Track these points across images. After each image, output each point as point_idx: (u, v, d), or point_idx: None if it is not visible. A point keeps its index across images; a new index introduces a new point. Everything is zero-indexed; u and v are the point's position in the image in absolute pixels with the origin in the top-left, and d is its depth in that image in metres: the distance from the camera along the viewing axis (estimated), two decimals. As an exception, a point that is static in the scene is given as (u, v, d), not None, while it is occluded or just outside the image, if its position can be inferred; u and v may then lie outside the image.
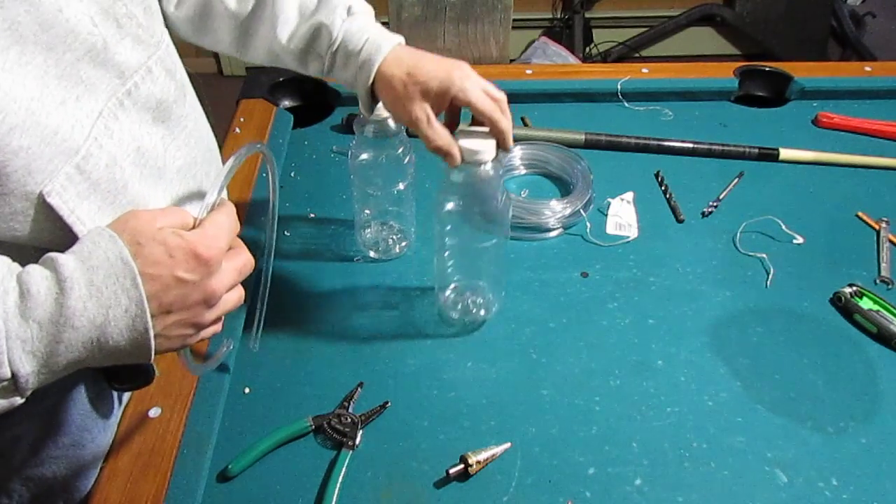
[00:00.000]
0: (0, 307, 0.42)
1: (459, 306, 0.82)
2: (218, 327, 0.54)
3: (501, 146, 0.69)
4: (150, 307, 0.46)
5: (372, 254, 0.88)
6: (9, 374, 0.43)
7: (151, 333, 0.47)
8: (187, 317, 0.50)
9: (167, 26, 0.70)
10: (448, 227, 0.74)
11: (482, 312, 0.82)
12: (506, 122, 0.69)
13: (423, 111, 0.66)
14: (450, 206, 0.73)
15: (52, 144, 0.48)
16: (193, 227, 0.50)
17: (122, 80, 0.56)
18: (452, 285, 0.83)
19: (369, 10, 0.72)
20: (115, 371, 0.66)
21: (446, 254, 0.78)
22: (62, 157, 0.49)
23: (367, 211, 0.88)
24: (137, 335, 0.46)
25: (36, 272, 0.44)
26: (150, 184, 0.59)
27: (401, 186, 0.83)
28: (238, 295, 0.55)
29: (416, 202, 0.88)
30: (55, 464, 0.68)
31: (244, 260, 0.54)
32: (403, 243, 0.89)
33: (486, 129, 0.69)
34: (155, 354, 0.49)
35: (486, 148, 0.67)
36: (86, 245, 0.46)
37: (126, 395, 0.73)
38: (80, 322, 0.44)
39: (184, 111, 0.64)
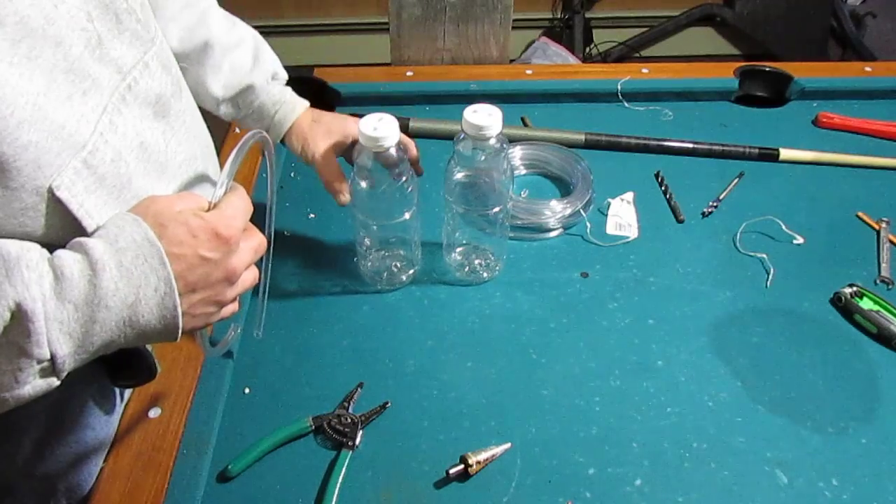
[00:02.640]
0: (37, 290, 0.43)
1: (466, 268, 0.86)
2: (236, 306, 0.57)
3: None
4: (177, 286, 0.48)
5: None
6: (48, 355, 0.44)
7: (180, 311, 0.49)
8: (211, 294, 0.52)
9: None
10: (456, 195, 0.80)
11: (485, 274, 0.86)
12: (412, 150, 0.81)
13: (328, 148, 0.79)
14: (459, 176, 0.79)
15: (60, 139, 0.49)
16: (209, 210, 0.53)
17: (121, 75, 0.56)
18: (459, 248, 0.87)
19: (285, 77, 0.85)
20: (118, 366, 0.66)
21: (453, 220, 0.84)
22: (70, 151, 0.50)
23: (368, 240, 0.85)
24: (167, 313, 0.48)
25: (67, 256, 0.46)
26: (154, 178, 0.60)
27: (406, 216, 0.80)
28: (254, 275, 0.57)
29: (420, 202, 0.88)
30: (58, 460, 0.69)
31: (259, 240, 0.57)
32: (410, 271, 0.86)
33: (492, 108, 0.74)
34: (182, 333, 0.51)
35: (490, 123, 0.73)
36: (111, 229, 0.48)
37: (127, 392, 0.73)
38: (113, 302, 0.46)
39: (181, 106, 0.65)
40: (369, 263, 0.87)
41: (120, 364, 0.65)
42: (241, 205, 0.54)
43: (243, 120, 0.82)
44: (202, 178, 0.68)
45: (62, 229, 0.51)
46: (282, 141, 0.82)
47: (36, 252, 0.45)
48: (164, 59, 0.63)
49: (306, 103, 0.83)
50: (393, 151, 0.74)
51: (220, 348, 0.70)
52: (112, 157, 0.54)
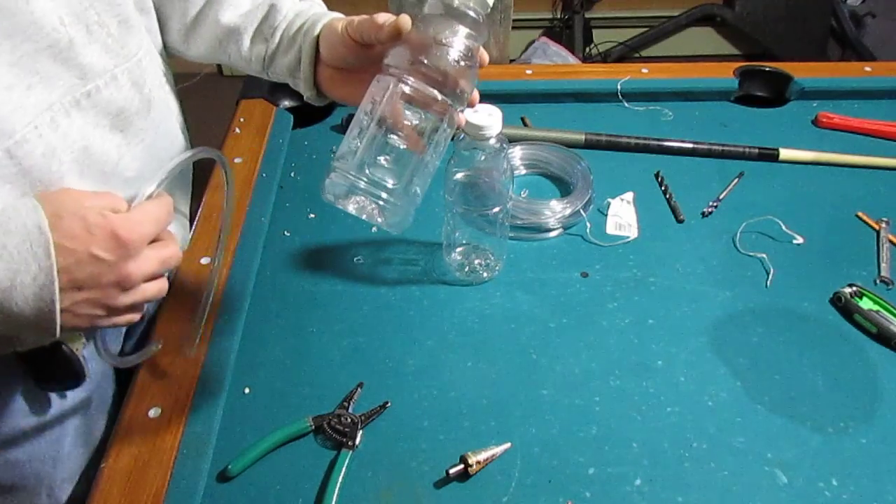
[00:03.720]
0: None
1: (466, 268, 0.86)
2: (135, 316, 0.54)
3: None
4: (59, 279, 0.47)
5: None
6: None
7: (57, 306, 0.47)
8: (99, 296, 0.50)
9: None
10: (456, 195, 0.80)
11: (485, 274, 0.86)
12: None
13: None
14: (459, 176, 0.78)
15: None
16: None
17: (83, 80, 0.56)
18: (459, 248, 0.87)
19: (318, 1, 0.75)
20: (41, 367, 0.64)
21: (453, 220, 0.83)
22: None
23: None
24: (43, 305, 0.47)
25: None
26: (90, 185, 0.59)
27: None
28: (159, 287, 0.55)
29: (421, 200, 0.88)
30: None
31: (170, 252, 0.54)
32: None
33: (492, 108, 0.74)
34: (61, 331, 0.49)
35: (490, 123, 0.73)
36: (7, 210, 0.47)
37: (70, 403, 0.70)
38: None
39: (145, 125, 0.64)
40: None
41: (43, 363, 0.63)
42: (154, 212, 0.52)
43: (275, 59, 0.71)
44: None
45: None
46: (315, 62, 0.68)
47: None
48: (138, 76, 0.63)
49: (336, 14, 0.70)
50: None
51: (128, 359, 0.66)
52: (44, 152, 0.54)
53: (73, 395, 0.71)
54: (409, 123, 0.59)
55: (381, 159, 0.58)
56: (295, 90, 0.72)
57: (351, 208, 0.58)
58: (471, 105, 0.63)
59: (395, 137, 0.58)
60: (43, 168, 0.54)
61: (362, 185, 0.56)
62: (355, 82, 0.65)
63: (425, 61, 0.57)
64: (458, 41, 0.57)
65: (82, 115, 0.57)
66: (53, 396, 0.69)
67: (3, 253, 0.45)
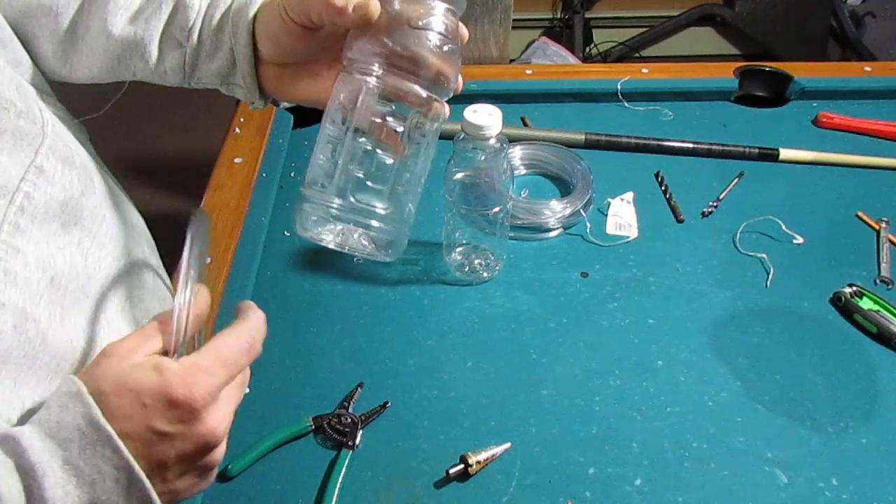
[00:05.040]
0: None
1: (466, 268, 0.86)
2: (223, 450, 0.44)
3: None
4: (141, 468, 0.38)
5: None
6: None
7: (154, 496, 0.39)
8: (187, 467, 0.41)
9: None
10: (456, 195, 0.79)
11: (485, 274, 0.86)
12: None
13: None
14: (459, 175, 0.78)
15: None
16: (173, 350, 0.41)
17: (7, 198, 0.43)
18: (459, 248, 0.87)
19: None
20: None
21: (453, 220, 0.83)
22: None
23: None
24: (140, 502, 0.39)
25: None
26: (77, 312, 0.48)
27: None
28: (237, 400, 0.45)
29: (420, 202, 0.88)
30: None
31: (244, 378, 0.46)
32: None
33: (492, 108, 0.73)
34: None
35: (491, 123, 0.72)
36: (52, 413, 0.38)
37: None
38: None
39: (96, 200, 0.52)
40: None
41: None
42: (215, 354, 0.41)
43: (197, 66, 0.55)
44: (142, 270, 0.58)
45: None
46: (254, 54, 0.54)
47: None
48: (62, 147, 0.49)
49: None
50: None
51: None
52: (14, 322, 0.42)
53: None
54: (393, 130, 0.49)
55: (364, 178, 0.48)
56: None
57: (331, 242, 0.49)
58: (456, 92, 0.51)
59: (378, 151, 0.49)
60: (20, 344, 0.43)
61: (346, 213, 0.47)
62: (310, 77, 0.54)
63: (400, 51, 0.46)
64: (436, 21, 0.47)
65: (28, 239, 0.45)
66: None
67: (68, 470, 0.37)
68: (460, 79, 0.51)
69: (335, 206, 0.47)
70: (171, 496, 0.41)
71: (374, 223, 0.48)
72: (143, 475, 0.38)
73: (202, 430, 0.40)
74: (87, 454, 0.37)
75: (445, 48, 0.47)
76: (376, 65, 0.47)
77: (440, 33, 0.47)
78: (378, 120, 0.48)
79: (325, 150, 0.48)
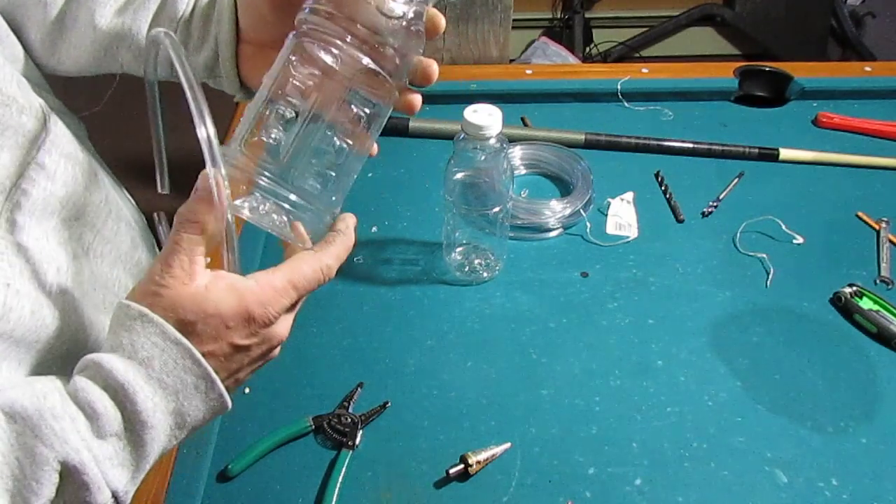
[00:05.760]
0: (76, 438, 0.38)
1: (466, 268, 0.86)
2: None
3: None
4: (219, 377, 0.43)
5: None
6: (109, 495, 0.40)
7: (227, 397, 0.44)
8: (255, 366, 0.47)
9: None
10: (456, 195, 0.79)
11: (485, 274, 0.86)
12: None
13: None
14: (459, 175, 0.78)
15: None
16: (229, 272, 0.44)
17: (4, 195, 0.44)
18: (459, 248, 0.87)
19: None
20: None
21: (453, 220, 0.83)
22: None
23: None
24: (214, 403, 0.43)
25: (89, 387, 0.40)
26: (85, 304, 0.50)
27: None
28: (292, 316, 0.49)
29: (420, 202, 0.88)
30: None
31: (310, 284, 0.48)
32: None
33: (492, 108, 0.74)
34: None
35: (490, 123, 0.72)
36: (123, 336, 0.41)
37: None
38: (156, 419, 0.41)
39: (98, 196, 0.53)
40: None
41: None
42: (284, 282, 0.45)
43: (186, 51, 0.53)
44: (141, 263, 0.59)
45: None
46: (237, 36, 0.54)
47: (54, 395, 0.39)
48: (65, 143, 0.50)
49: None
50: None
51: None
52: (32, 309, 0.45)
53: None
54: (352, 112, 0.46)
55: (306, 158, 0.46)
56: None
57: (245, 210, 0.45)
58: (423, 84, 0.49)
59: (329, 133, 0.46)
60: (30, 326, 0.45)
61: (280, 190, 0.45)
62: None
63: (354, 17, 0.43)
64: None
65: (29, 236, 0.46)
66: None
67: (152, 384, 0.41)
68: (432, 70, 0.48)
69: (265, 177, 0.44)
70: (235, 384, 0.46)
71: (298, 201, 0.45)
72: (219, 381, 0.42)
73: (272, 339, 0.46)
74: (169, 367, 0.41)
75: (403, 24, 0.44)
76: (322, 27, 0.44)
77: (402, 13, 0.44)
78: (329, 98, 0.45)
79: (266, 120, 0.45)
